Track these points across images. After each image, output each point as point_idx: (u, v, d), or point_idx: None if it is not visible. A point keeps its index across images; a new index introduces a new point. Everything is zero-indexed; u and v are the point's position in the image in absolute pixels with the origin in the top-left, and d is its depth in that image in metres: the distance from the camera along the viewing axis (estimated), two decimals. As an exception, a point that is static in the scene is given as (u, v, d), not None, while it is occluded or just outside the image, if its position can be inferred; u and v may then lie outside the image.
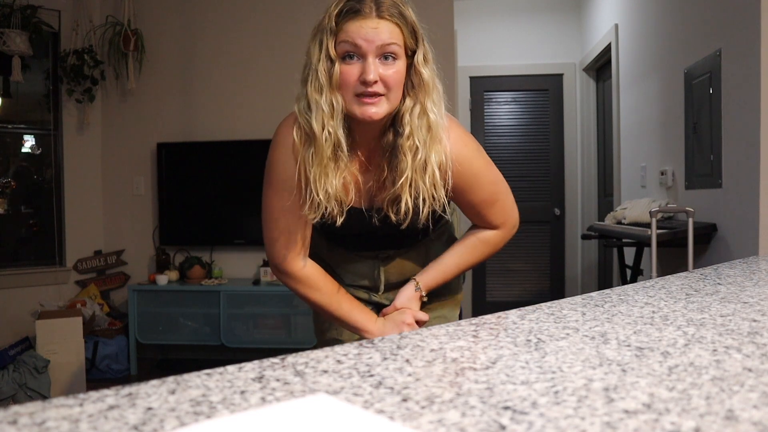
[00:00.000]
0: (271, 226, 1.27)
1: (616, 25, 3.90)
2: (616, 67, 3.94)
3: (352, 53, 1.13)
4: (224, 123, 3.97)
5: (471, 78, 5.01)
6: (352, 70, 1.13)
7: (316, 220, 1.21)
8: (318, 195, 1.16)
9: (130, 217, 4.08)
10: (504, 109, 5.07)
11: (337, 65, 1.13)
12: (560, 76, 4.99)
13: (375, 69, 1.11)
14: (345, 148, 1.17)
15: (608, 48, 4.12)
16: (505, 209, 1.34)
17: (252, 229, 3.90)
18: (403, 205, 1.19)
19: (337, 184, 1.17)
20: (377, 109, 1.14)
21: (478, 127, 5.05)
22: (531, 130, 5.05)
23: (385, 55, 1.13)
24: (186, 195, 3.97)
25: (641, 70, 3.46)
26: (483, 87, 5.05)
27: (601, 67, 4.65)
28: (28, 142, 3.99)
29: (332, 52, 1.13)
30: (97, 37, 3.90)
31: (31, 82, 3.78)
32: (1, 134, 3.87)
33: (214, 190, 3.94)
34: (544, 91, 5.04)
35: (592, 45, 4.56)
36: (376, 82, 1.12)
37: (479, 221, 1.35)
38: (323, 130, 1.14)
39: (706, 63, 2.50)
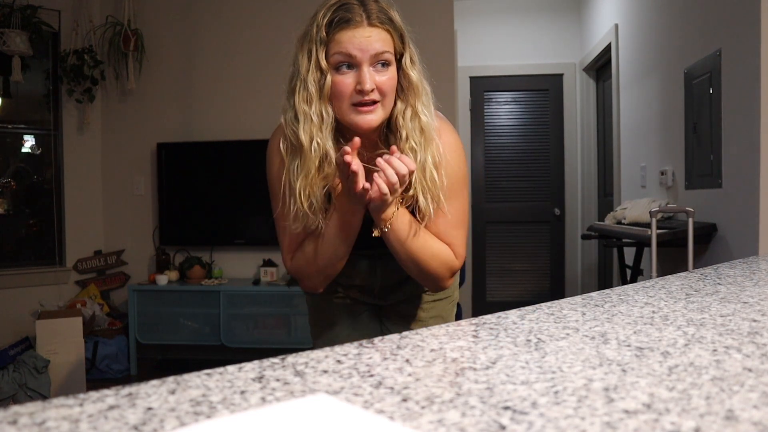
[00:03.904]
0: (278, 230, 1.29)
1: (616, 25, 3.90)
2: (616, 67, 3.94)
3: (346, 63, 1.12)
4: (224, 123, 3.97)
5: (471, 78, 5.01)
6: (346, 80, 1.12)
7: (299, 230, 1.21)
8: (303, 207, 1.16)
9: (130, 217, 4.08)
10: (504, 109, 5.07)
11: (328, 76, 1.13)
12: (560, 76, 4.99)
13: (371, 78, 1.12)
14: (333, 161, 1.16)
15: (608, 48, 4.12)
16: (464, 243, 1.28)
17: (252, 229, 3.90)
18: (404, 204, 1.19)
19: (321, 196, 1.17)
20: (374, 117, 1.15)
21: (478, 127, 5.05)
22: (531, 130, 5.05)
23: (378, 63, 1.13)
24: (186, 195, 3.97)
25: (641, 70, 3.46)
26: (483, 87, 5.05)
27: (601, 67, 4.65)
28: (28, 142, 3.99)
29: (323, 63, 1.12)
30: (97, 37, 3.90)
31: (31, 82, 3.78)
32: (1, 134, 3.87)
33: (214, 190, 3.94)
34: (544, 91, 5.04)
35: (592, 45, 4.56)
36: (373, 90, 1.12)
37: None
38: (311, 141, 1.14)
39: (706, 63, 2.50)
